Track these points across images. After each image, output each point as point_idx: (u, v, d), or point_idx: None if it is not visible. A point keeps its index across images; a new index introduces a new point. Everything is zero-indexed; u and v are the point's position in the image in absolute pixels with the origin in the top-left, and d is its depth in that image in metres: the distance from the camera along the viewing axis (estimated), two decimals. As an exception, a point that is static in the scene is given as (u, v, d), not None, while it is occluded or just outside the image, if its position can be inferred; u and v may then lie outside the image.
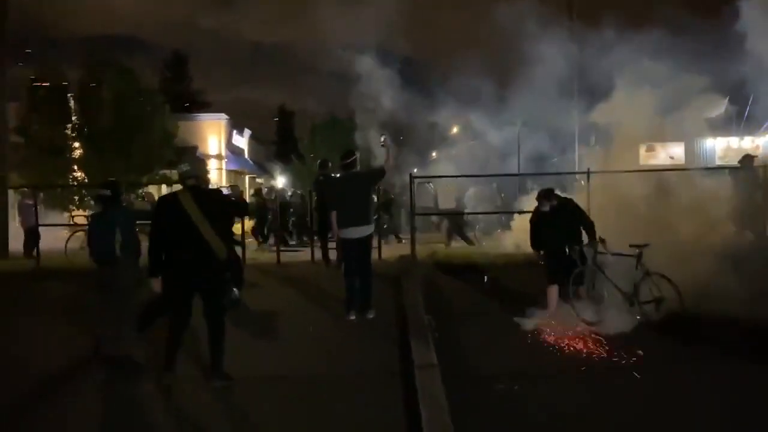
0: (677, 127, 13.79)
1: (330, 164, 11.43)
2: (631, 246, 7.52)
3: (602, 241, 7.57)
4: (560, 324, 7.40)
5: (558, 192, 8.19)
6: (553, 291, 7.77)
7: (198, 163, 5.88)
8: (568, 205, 7.94)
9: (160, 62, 52.56)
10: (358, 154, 7.98)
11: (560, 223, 7.70)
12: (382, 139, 7.99)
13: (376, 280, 8.16)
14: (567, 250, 7.60)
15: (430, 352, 6.11)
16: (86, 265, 7.49)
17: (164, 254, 5.53)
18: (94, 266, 6.70)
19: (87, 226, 7.83)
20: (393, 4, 17.01)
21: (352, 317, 7.63)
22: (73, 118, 22.54)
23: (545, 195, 7.86)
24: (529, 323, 7.48)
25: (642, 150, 17.50)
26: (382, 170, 7.87)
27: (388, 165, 7.91)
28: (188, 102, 47.29)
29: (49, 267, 11.84)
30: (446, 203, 14.82)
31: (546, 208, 7.81)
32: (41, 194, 17.14)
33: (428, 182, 15.20)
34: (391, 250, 12.50)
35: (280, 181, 40.57)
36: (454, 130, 24.84)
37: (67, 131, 22.48)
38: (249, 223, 15.67)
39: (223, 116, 33.62)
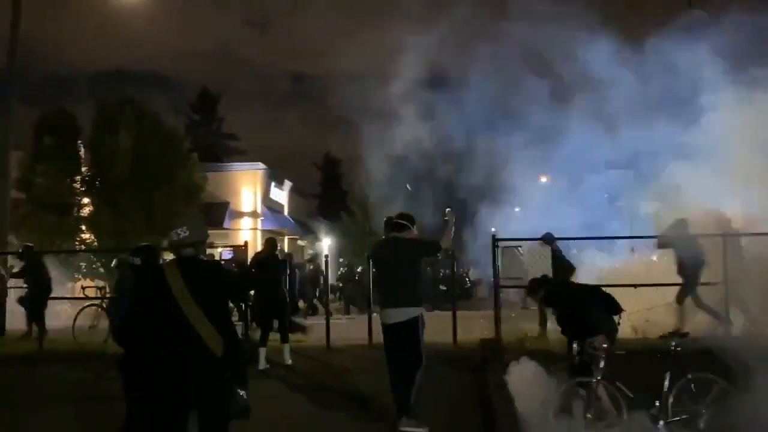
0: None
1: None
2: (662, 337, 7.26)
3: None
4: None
5: None
6: None
7: (200, 226, 5.56)
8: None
9: (185, 102, 54.89)
10: (411, 224, 7.85)
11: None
12: (447, 211, 7.96)
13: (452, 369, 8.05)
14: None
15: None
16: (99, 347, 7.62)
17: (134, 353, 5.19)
18: (113, 349, 6.81)
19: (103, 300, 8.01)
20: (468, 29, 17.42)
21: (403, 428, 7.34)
22: (83, 168, 23.42)
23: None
24: None
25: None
26: (436, 244, 7.79)
27: (446, 241, 7.83)
28: (218, 149, 48.84)
29: (53, 349, 12.12)
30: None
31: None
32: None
33: (518, 246, 15.01)
34: (466, 333, 12.29)
35: (326, 244, 41.04)
36: (543, 179, 24.70)
37: (76, 184, 23.34)
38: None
39: (260, 165, 34.37)
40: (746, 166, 12.94)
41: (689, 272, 11.26)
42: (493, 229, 17.28)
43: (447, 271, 14.59)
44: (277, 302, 10.92)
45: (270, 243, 11.65)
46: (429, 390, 8.71)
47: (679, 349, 7.05)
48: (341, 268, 30.72)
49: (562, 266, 12.20)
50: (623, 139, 15.47)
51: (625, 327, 8.56)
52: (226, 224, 31.17)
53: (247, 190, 33.44)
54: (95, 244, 22.79)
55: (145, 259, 6.98)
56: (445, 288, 23.26)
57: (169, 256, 5.97)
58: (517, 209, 24.14)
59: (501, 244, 12.53)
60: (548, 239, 12.41)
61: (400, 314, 7.45)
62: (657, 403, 6.95)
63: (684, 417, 6.91)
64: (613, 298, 7.63)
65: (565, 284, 8.07)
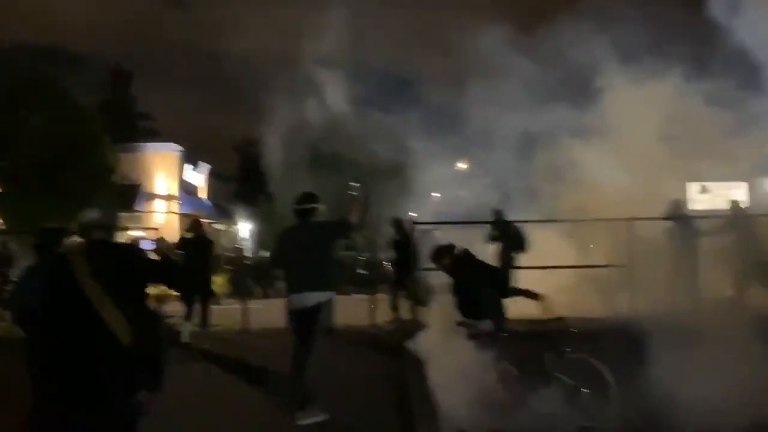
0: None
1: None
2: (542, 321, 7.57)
3: None
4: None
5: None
6: None
7: (111, 209, 5.43)
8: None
9: (97, 81, 53.18)
10: (318, 204, 7.68)
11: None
12: (355, 186, 7.78)
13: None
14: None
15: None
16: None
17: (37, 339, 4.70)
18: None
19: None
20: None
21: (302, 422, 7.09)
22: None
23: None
24: None
25: (693, 190, 17.87)
26: (346, 224, 7.62)
27: (355, 217, 7.59)
28: (132, 129, 47.63)
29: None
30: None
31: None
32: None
33: (436, 230, 15.18)
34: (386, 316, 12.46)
35: (245, 228, 40.68)
36: (461, 165, 25.10)
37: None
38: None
39: (175, 147, 33.87)
40: (641, 150, 13.58)
41: None
42: (412, 214, 17.50)
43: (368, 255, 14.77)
44: (203, 283, 10.97)
45: (196, 224, 11.74)
46: (344, 372, 8.87)
47: (559, 331, 7.38)
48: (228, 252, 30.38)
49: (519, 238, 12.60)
50: (523, 123, 15.99)
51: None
52: (139, 206, 30.57)
53: (161, 172, 32.91)
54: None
55: (49, 241, 6.80)
56: (365, 272, 23.41)
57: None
58: (435, 194, 24.53)
59: (419, 227, 12.75)
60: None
61: (307, 299, 7.27)
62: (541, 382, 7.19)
63: (564, 396, 7.12)
64: (508, 281, 7.88)
65: (468, 256, 8.06)
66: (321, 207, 7.65)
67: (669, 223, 11.83)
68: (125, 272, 4.79)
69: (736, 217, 12.06)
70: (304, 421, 7.00)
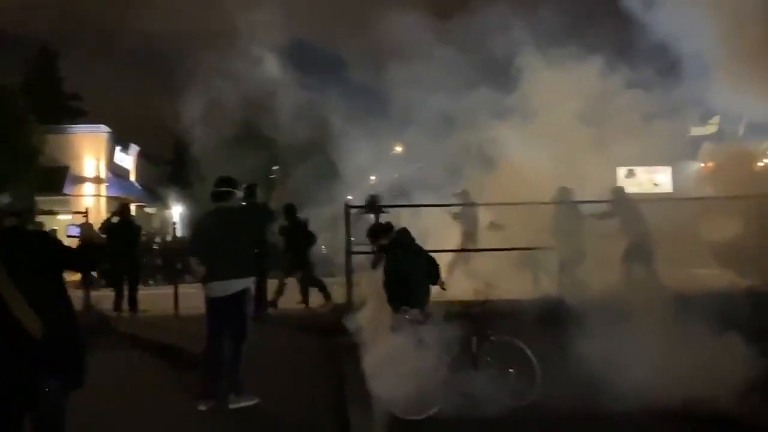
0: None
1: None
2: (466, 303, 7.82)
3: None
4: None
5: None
6: None
7: (26, 193, 5.44)
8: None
9: (22, 60, 51.40)
10: (237, 189, 7.63)
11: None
12: (274, 169, 7.94)
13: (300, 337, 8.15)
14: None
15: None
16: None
17: None
18: None
19: None
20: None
21: (203, 407, 7.11)
22: None
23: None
24: None
25: (621, 174, 18.37)
26: (267, 211, 7.73)
27: (275, 203, 7.75)
28: (59, 110, 46.31)
29: None
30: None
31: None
32: None
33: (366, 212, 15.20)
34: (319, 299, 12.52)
35: (176, 212, 40.06)
36: (398, 149, 25.18)
37: None
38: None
39: (104, 128, 33.16)
40: (566, 133, 13.96)
41: None
42: (349, 197, 17.50)
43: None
44: (131, 269, 10.85)
45: (123, 208, 11.59)
46: (279, 355, 8.90)
47: (485, 313, 7.50)
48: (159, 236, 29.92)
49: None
50: (451, 106, 16.22)
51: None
52: (66, 189, 29.88)
53: (89, 154, 32.15)
54: None
55: None
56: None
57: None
58: (372, 178, 24.56)
59: (353, 210, 12.75)
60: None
61: (228, 287, 7.20)
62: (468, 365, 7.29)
63: (491, 378, 7.17)
64: (438, 267, 7.98)
65: (406, 236, 8.10)
66: (239, 192, 7.59)
67: (558, 207, 12.22)
68: (36, 261, 4.65)
69: (619, 201, 12.47)
70: (235, 405, 7.06)
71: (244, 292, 7.29)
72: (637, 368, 6.74)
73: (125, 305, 11.06)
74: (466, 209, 13.31)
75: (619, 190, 12.89)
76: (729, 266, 11.86)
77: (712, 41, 14.60)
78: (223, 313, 7.22)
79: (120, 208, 11.74)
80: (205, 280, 7.30)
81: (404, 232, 8.10)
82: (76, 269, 5.66)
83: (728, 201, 12.52)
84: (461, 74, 16.10)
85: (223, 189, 7.44)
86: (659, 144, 16.11)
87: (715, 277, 11.46)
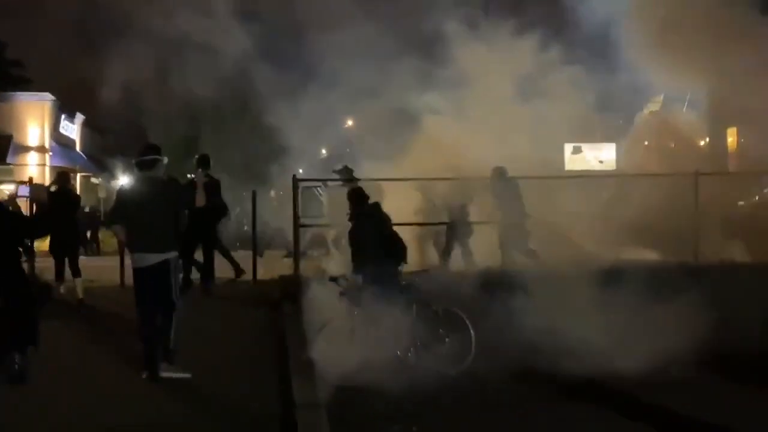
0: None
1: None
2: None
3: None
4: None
5: None
6: None
7: None
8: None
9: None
10: (162, 158, 7.50)
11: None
12: (198, 172, 8.09)
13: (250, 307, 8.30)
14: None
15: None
16: None
17: None
18: None
19: None
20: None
21: (144, 375, 7.20)
22: None
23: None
24: None
25: (567, 152, 18.83)
26: (189, 202, 7.78)
27: (200, 201, 7.67)
28: (1, 77, 45.14)
29: None
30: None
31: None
32: None
33: (317, 187, 15.25)
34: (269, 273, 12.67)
35: (124, 181, 39.54)
36: (349, 122, 25.22)
37: None
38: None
39: (48, 96, 32.43)
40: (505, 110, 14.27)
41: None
42: (300, 171, 17.55)
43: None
44: (71, 238, 10.89)
45: (62, 177, 11.50)
46: (225, 328, 9.04)
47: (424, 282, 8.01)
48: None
49: None
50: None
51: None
52: (10, 159, 29.35)
53: (33, 122, 31.51)
54: None
55: None
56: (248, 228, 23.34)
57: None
58: (323, 151, 24.66)
59: (301, 185, 12.88)
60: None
61: (154, 258, 7.18)
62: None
63: (430, 344, 7.69)
64: (404, 249, 8.32)
65: (377, 208, 8.49)
66: (164, 159, 7.50)
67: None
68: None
69: (499, 181, 12.51)
70: (167, 374, 7.11)
71: (167, 262, 7.25)
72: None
73: (68, 275, 11.06)
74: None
75: (500, 170, 12.71)
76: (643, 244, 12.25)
77: (648, 22, 15.07)
78: (148, 283, 7.22)
79: (58, 177, 11.65)
80: (130, 250, 7.39)
81: (378, 205, 8.61)
82: (33, 237, 5.65)
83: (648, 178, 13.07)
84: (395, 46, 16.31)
85: (150, 157, 7.35)
86: (601, 122, 16.55)
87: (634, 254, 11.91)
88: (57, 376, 7.14)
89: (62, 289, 10.91)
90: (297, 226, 12.22)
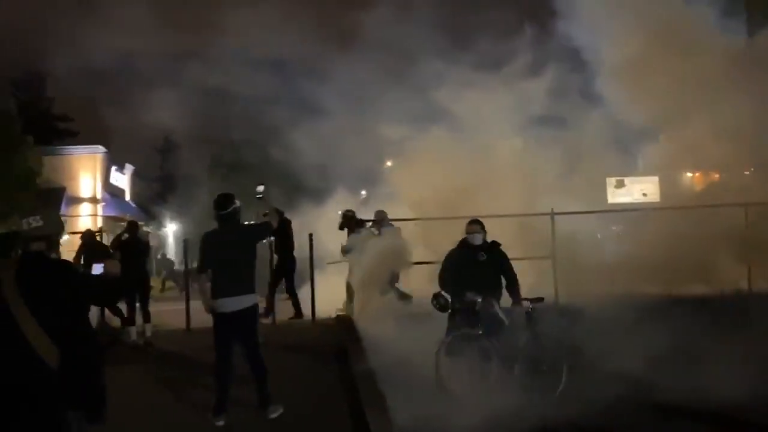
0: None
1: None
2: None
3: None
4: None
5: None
6: None
7: (56, 217, 4.98)
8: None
9: (8, 82, 51.49)
10: (238, 203, 7.77)
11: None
12: (260, 189, 7.97)
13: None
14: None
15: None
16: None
17: None
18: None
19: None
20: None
21: (221, 422, 7.38)
22: None
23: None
24: None
25: (611, 185, 19.01)
26: (267, 226, 7.93)
27: (273, 219, 7.90)
28: (49, 131, 46.53)
29: None
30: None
31: (478, 241, 8.77)
32: None
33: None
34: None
35: (171, 230, 40.47)
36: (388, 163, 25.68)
37: None
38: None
39: (100, 149, 33.46)
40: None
41: None
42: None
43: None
44: (142, 283, 11.40)
45: (133, 226, 12.17)
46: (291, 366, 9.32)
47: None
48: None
49: None
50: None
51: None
52: (63, 210, 30.17)
53: (85, 174, 32.48)
54: None
55: None
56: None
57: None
58: (363, 192, 25.05)
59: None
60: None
61: (240, 302, 7.40)
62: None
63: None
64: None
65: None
66: (239, 204, 7.72)
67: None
68: (58, 293, 4.47)
69: (383, 223, 13.05)
70: (274, 415, 7.40)
71: (253, 306, 7.59)
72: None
73: (139, 320, 11.57)
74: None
75: (382, 213, 13.29)
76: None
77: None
78: (233, 327, 7.44)
79: (129, 226, 12.29)
80: (213, 296, 7.48)
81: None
82: (98, 304, 5.35)
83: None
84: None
85: (229, 207, 7.62)
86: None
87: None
88: (127, 421, 7.18)
89: (132, 334, 11.39)
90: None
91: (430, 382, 8.27)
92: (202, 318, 12.45)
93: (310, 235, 12.53)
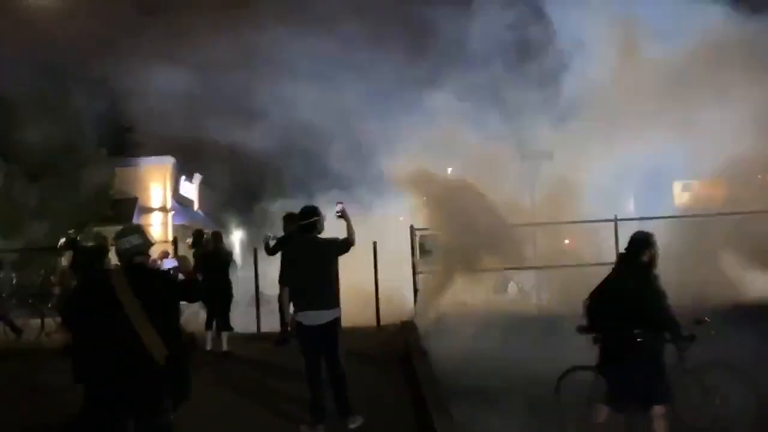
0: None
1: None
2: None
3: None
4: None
5: None
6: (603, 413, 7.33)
7: (146, 233, 5.73)
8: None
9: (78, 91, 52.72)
10: (323, 216, 7.88)
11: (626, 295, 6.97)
12: (338, 208, 7.89)
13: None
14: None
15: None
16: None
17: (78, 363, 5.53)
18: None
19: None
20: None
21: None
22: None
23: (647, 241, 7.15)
24: None
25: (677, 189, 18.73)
26: (348, 242, 7.81)
27: (352, 236, 7.87)
28: (120, 142, 47.68)
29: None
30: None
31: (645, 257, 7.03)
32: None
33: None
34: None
35: (237, 237, 41.13)
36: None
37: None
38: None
39: (169, 159, 34.10)
40: None
41: None
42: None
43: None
44: (224, 292, 11.70)
45: (216, 236, 12.55)
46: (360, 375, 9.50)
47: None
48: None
49: None
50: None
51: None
52: (135, 220, 31.00)
53: (156, 184, 33.26)
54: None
55: (87, 261, 7.31)
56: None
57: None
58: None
59: (418, 233, 13.62)
60: None
61: (325, 315, 7.55)
62: None
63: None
64: None
65: None
66: (321, 218, 7.87)
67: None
68: (162, 298, 5.33)
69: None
70: (354, 425, 7.60)
71: (339, 319, 7.74)
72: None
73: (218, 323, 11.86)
74: None
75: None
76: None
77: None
78: (316, 340, 7.60)
79: (213, 237, 12.47)
80: (297, 309, 7.68)
81: None
82: (189, 301, 6.34)
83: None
84: None
85: (312, 220, 7.77)
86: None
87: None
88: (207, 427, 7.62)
89: (209, 340, 11.67)
90: (415, 273, 12.93)
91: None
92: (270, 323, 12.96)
93: (374, 243, 12.74)
